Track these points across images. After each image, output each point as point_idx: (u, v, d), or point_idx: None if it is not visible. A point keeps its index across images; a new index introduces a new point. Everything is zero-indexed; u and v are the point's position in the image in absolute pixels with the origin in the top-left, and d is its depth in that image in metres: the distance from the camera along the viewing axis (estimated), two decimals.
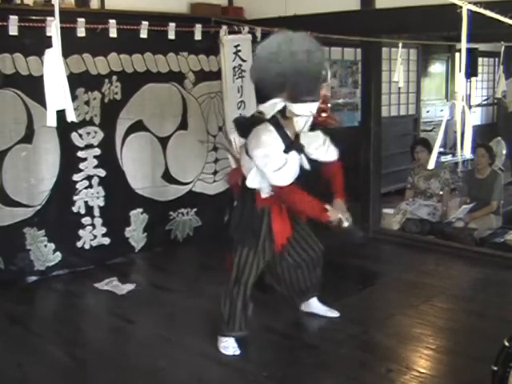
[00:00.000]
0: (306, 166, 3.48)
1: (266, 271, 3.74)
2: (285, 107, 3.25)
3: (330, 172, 3.54)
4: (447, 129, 7.81)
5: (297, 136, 3.38)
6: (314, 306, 3.91)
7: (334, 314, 3.89)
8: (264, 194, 3.41)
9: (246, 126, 3.41)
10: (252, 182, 3.37)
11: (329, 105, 3.28)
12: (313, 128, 3.38)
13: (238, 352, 3.45)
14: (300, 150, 3.39)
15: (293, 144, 3.34)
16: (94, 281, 4.60)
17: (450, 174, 6.31)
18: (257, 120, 3.34)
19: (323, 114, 3.27)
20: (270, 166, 3.23)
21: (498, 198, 5.91)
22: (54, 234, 4.72)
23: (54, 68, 2.00)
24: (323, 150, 3.49)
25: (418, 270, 4.87)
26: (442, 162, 7.33)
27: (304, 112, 3.20)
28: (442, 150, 8.34)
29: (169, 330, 3.80)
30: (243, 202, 3.46)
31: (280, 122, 3.30)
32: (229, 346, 3.47)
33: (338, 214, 3.33)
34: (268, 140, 3.25)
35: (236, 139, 3.56)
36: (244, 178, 3.40)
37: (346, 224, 3.33)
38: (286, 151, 3.29)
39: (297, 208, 3.40)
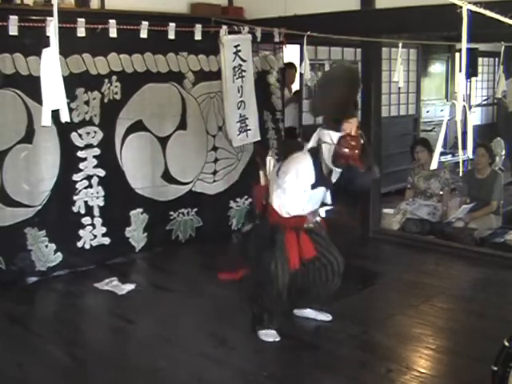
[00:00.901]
0: (328, 201, 3.62)
1: None
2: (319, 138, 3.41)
3: None
4: (447, 129, 7.83)
5: (330, 172, 3.45)
6: (306, 310, 3.91)
7: (326, 317, 3.86)
8: (283, 214, 3.49)
9: (284, 151, 3.58)
10: (275, 201, 3.49)
11: (357, 148, 3.29)
12: (334, 161, 3.36)
13: (278, 339, 3.55)
14: (328, 186, 3.49)
15: (323, 180, 3.43)
16: (94, 281, 4.60)
17: (450, 173, 6.31)
18: (297, 146, 3.48)
19: (346, 150, 3.29)
20: (289, 192, 3.41)
21: (498, 198, 5.90)
22: (54, 234, 4.71)
23: (50, 67, 2.00)
24: None
25: (418, 269, 4.87)
26: (442, 161, 7.33)
27: (325, 138, 3.33)
28: (442, 149, 8.33)
29: (169, 330, 3.80)
30: (264, 221, 3.56)
31: (319, 153, 3.40)
32: (269, 333, 3.56)
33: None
34: (302, 170, 3.40)
35: (272, 160, 3.70)
36: (268, 196, 3.53)
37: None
38: (314, 186, 3.40)
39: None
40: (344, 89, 3.38)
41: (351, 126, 3.31)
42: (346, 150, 3.27)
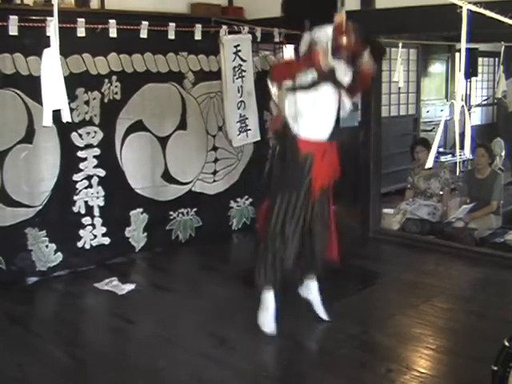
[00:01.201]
0: (347, 107, 3.60)
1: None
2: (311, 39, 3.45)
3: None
4: (447, 128, 7.83)
5: (332, 70, 3.44)
6: (312, 294, 3.83)
7: (325, 316, 3.81)
8: (302, 134, 3.46)
9: None
10: (288, 110, 3.47)
11: (352, 36, 3.36)
12: (334, 53, 3.39)
13: (274, 331, 3.54)
14: (336, 83, 3.46)
15: (325, 75, 3.41)
16: (94, 281, 4.60)
17: (450, 173, 6.31)
18: None
19: (344, 38, 3.34)
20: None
21: (498, 198, 5.91)
22: (55, 234, 4.71)
23: (51, 67, 2.00)
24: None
25: (418, 269, 4.87)
26: (441, 161, 7.33)
27: (321, 35, 3.37)
28: (441, 149, 8.35)
29: (169, 329, 3.79)
30: (285, 149, 3.51)
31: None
32: (265, 322, 3.55)
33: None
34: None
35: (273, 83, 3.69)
36: (285, 124, 3.48)
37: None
38: (318, 82, 3.39)
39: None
40: None
41: (341, 16, 3.42)
42: (345, 38, 3.34)
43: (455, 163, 7.96)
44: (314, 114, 3.44)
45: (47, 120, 2.04)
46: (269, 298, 3.60)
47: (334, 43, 3.35)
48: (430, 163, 2.15)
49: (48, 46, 2.03)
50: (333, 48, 3.35)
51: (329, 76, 3.43)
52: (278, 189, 3.51)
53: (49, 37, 2.06)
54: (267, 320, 3.59)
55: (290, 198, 3.47)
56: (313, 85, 3.41)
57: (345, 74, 3.51)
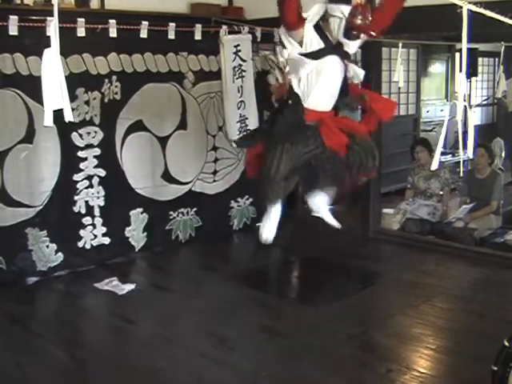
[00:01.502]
0: (360, 74, 3.54)
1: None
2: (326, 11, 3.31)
3: None
4: (448, 129, 7.83)
5: (340, 43, 3.39)
6: (321, 208, 3.70)
7: (335, 224, 3.66)
8: (310, 105, 3.40)
9: None
10: (294, 80, 3.39)
11: (369, 17, 3.23)
12: (347, 31, 3.31)
13: (270, 240, 3.44)
14: (343, 55, 3.41)
15: (333, 47, 3.36)
16: (94, 281, 4.60)
17: (450, 173, 6.31)
18: None
19: (359, 19, 3.26)
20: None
21: (498, 198, 5.90)
22: (55, 234, 4.72)
23: (52, 68, 2.00)
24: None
25: (418, 269, 4.87)
26: (442, 161, 7.32)
27: (335, 12, 3.26)
28: (442, 149, 8.34)
29: (169, 329, 3.80)
30: (294, 109, 3.42)
31: (320, 24, 3.34)
32: (266, 229, 3.46)
33: None
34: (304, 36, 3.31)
35: (281, 51, 3.63)
36: (291, 91, 3.41)
37: None
38: (324, 53, 3.33)
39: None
40: None
41: None
42: (359, 21, 3.23)
43: (455, 163, 7.96)
44: (320, 84, 3.40)
45: (48, 120, 2.04)
46: (274, 211, 3.47)
47: (348, 24, 3.23)
48: (435, 165, 2.13)
49: (48, 46, 2.03)
50: (346, 28, 3.26)
51: (336, 47, 3.40)
52: (284, 139, 3.42)
53: (49, 37, 2.05)
54: (269, 227, 3.48)
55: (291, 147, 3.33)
56: (319, 55, 3.38)
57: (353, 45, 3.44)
